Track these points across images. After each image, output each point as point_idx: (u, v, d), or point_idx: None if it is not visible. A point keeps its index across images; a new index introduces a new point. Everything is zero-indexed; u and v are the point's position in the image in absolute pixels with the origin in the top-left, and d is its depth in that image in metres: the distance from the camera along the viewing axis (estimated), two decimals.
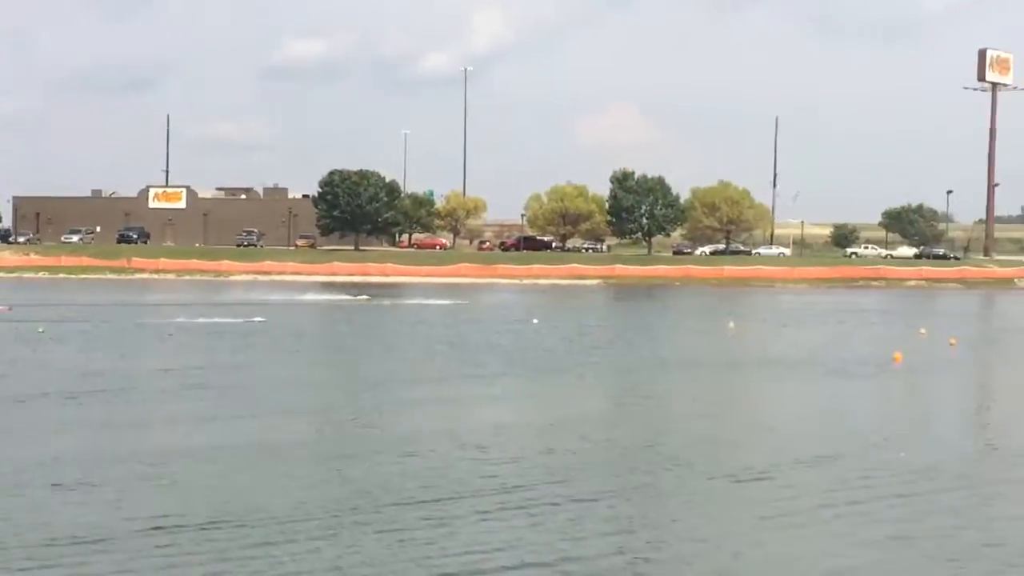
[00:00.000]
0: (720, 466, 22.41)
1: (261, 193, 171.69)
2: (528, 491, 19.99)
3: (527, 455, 23.43)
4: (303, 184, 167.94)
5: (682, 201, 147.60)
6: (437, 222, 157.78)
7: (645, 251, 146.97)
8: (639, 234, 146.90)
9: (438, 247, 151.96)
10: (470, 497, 19.51)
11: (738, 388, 37.49)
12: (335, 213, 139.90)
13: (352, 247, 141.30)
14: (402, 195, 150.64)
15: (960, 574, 15.67)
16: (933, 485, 21.03)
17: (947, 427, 28.77)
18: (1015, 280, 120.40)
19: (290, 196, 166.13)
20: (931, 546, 16.92)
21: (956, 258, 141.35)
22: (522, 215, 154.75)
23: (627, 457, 23.46)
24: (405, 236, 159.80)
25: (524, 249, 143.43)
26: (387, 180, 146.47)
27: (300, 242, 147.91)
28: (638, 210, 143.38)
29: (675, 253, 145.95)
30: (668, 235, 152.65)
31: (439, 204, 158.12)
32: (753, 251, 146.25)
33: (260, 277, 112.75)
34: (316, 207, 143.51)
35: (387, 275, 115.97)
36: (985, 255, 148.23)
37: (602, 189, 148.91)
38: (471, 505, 18.95)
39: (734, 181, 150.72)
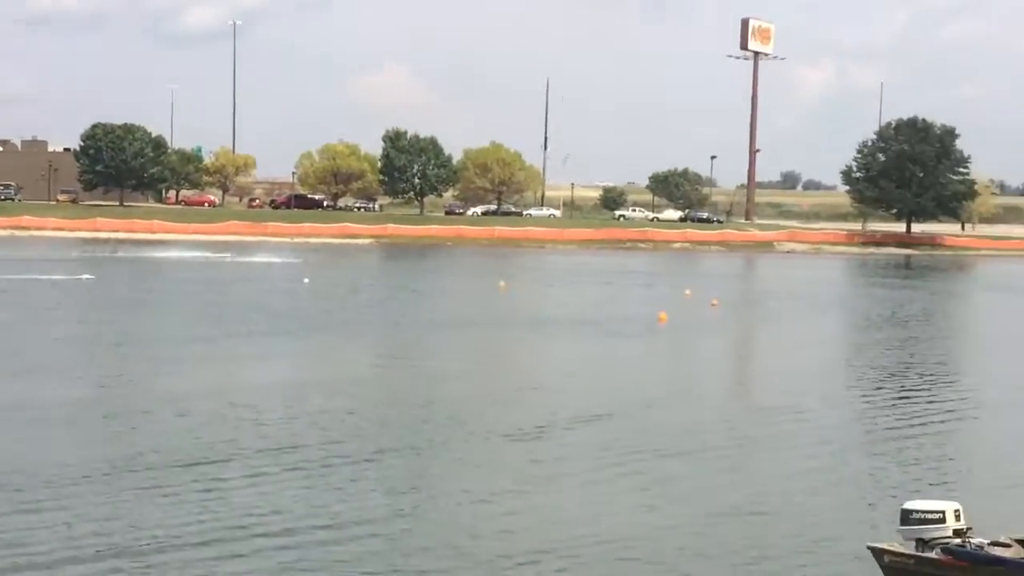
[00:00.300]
0: (494, 425, 22.61)
1: (19, 146, 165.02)
2: (303, 452, 19.79)
3: (300, 415, 23.19)
4: (65, 137, 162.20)
5: (454, 162, 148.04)
6: (205, 179, 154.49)
7: (417, 211, 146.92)
8: (411, 194, 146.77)
9: (206, 204, 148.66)
10: (244, 458, 19.20)
11: (509, 347, 37.88)
12: (98, 168, 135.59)
13: (117, 203, 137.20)
14: (169, 151, 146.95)
15: (727, 523, 16.16)
16: (700, 441, 21.64)
17: (711, 385, 29.67)
18: (775, 244, 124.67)
19: (50, 149, 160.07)
20: (700, 499, 17.41)
21: (719, 222, 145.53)
22: (293, 173, 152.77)
23: (402, 416, 23.45)
24: (172, 192, 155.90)
25: (295, 207, 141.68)
26: (154, 135, 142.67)
27: (61, 197, 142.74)
28: (411, 170, 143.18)
29: (447, 213, 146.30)
30: (440, 195, 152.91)
31: (207, 160, 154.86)
32: (524, 212, 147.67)
33: (17, 233, 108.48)
34: (78, 161, 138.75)
35: (153, 232, 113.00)
36: (747, 219, 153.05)
37: (375, 148, 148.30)
38: (245, 466, 18.65)
39: (506, 143, 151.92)
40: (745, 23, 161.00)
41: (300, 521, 15.70)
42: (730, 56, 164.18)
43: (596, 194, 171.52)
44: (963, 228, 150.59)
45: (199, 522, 15.54)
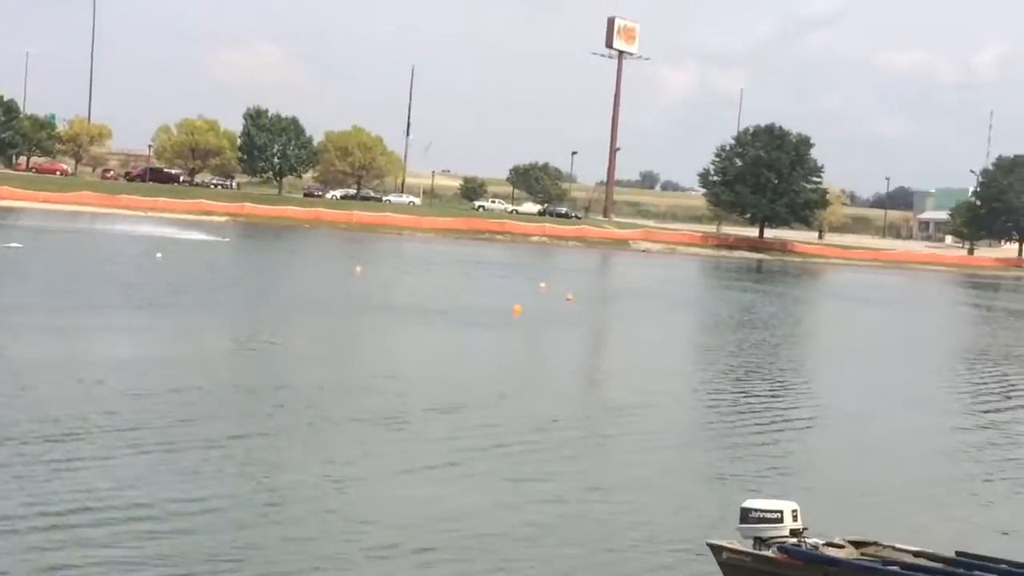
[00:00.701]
0: (349, 412, 22.53)
1: None
2: (152, 432, 19.49)
3: (151, 393, 22.84)
4: None
5: (315, 144, 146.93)
6: (58, 147, 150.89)
7: (276, 191, 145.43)
8: (270, 174, 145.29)
9: (58, 172, 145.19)
10: (90, 436, 18.86)
11: (364, 333, 37.82)
12: None
13: None
14: (21, 116, 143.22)
15: (571, 517, 16.39)
16: (549, 434, 21.87)
17: (563, 379, 29.97)
18: (631, 242, 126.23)
19: None
20: (547, 492, 17.61)
21: (578, 217, 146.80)
22: (150, 146, 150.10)
23: (255, 399, 23.24)
24: (23, 159, 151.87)
25: (150, 181, 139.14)
26: (5, 99, 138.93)
27: None
28: (270, 149, 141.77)
29: (306, 195, 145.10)
30: (300, 176, 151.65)
31: (61, 128, 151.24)
32: (384, 198, 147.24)
33: None
34: None
35: (1, 198, 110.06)
36: (604, 216, 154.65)
37: (235, 126, 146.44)
38: (92, 445, 18.31)
39: (369, 128, 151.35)
40: (611, 21, 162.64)
41: (148, 504, 15.38)
42: (595, 54, 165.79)
43: (457, 184, 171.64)
44: (821, 236, 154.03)
45: (40, 503, 15.18)
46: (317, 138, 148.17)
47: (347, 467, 18.15)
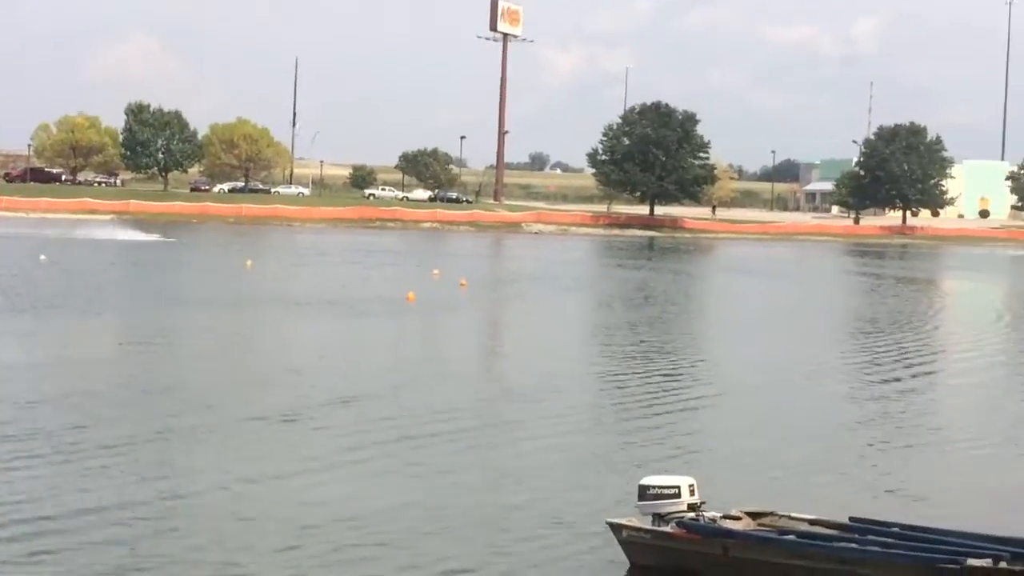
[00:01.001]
0: (246, 409, 22.26)
1: None
2: (45, 438, 19.06)
3: (41, 398, 22.39)
4: None
5: (200, 137, 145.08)
6: None
7: (161, 187, 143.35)
8: (155, 169, 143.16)
9: None
10: None
11: (257, 327, 37.44)
12: None
13: None
14: None
15: (473, 503, 16.39)
16: (449, 422, 21.83)
17: (460, 366, 29.92)
18: (523, 225, 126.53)
19: None
20: (448, 480, 17.59)
21: (468, 202, 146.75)
22: (29, 145, 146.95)
23: (149, 400, 22.87)
24: None
25: (31, 181, 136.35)
26: None
27: None
28: (154, 144, 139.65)
29: (192, 190, 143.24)
30: (186, 171, 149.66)
31: None
32: (272, 190, 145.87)
33: None
34: None
35: None
36: (495, 200, 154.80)
37: (117, 122, 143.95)
38: None
39: (253, 119, 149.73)
40: (494, 4, 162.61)
41: (48, 517, 15.00)
42: (480, 37, 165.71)
43: (346, 172, 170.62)
44: (714, 212, 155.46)
45: None
46: (202, 131, 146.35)
47: (249, 467, 17.91)
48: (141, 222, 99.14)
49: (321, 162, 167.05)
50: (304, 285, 50.97)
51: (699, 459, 19.25)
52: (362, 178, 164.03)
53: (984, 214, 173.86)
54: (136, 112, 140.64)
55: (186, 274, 55.64)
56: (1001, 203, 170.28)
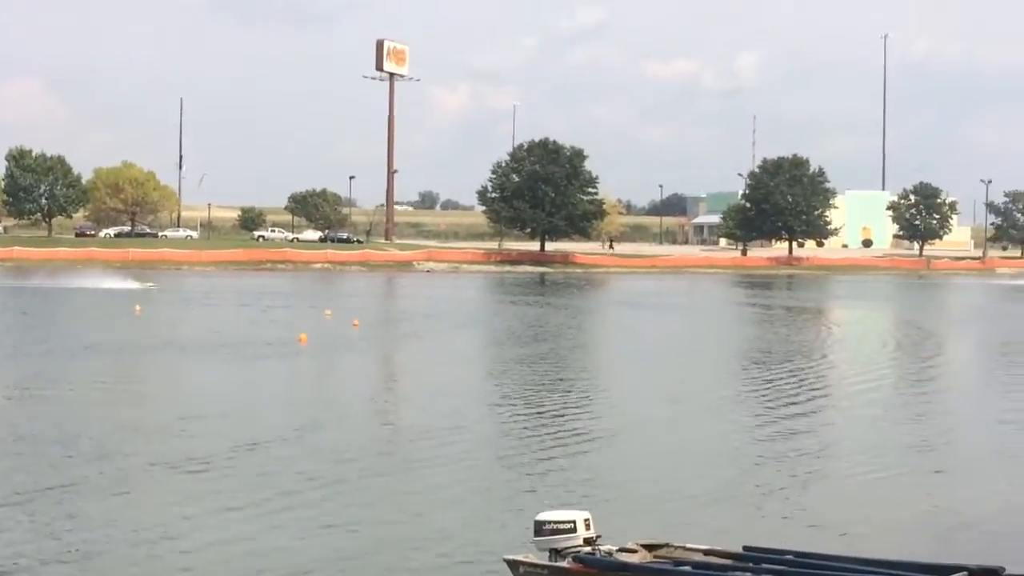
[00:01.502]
0: (149, 457, 21.79)
1: None
2: None
3: None
4: None
5: (84, 181, 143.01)
6: None
7: (46, 233, 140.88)
8: (39, 215, 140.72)
9: None
10: None
11: (154, 373, 36.87)
12: None
13: None
14: None
15: (372, 545, 16.27)
16: (352, 466, 21.66)
17: (356, 407, 29.71)
18: (415, 263, 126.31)
19: None
20: (347, 524, 17.45)
21: (359, 241, 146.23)
22: None
23: (43, 452, 22.27)
24: None
25: None
26: None
27: None
28: (37, 190, 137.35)
29: (78, 235, 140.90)
30: (70, 216, 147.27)
31: None
32: (160, 233, 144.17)
33: None
34: None
35: None
36: (386, 239, 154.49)
37: None
38: None
39: (139, 162, 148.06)
40: (380, 44, 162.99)
41: None
42: (366, 77, 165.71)
43: (234, 215, 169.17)
44: (612, 247, 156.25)
45: None
46: (86, 176, 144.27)
47: (155, 517, 17.54)
48: (24, 269, 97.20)
49: (209, 204, 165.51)
50: (194, 329, 50.33)
51: (595, 493, 19.31)
52: (251, 220, 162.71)
53: (867, 243, 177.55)
54: (17, 158, 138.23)
55: (74, 320, 54.62)
56: (883, 232, 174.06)
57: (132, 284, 78.07)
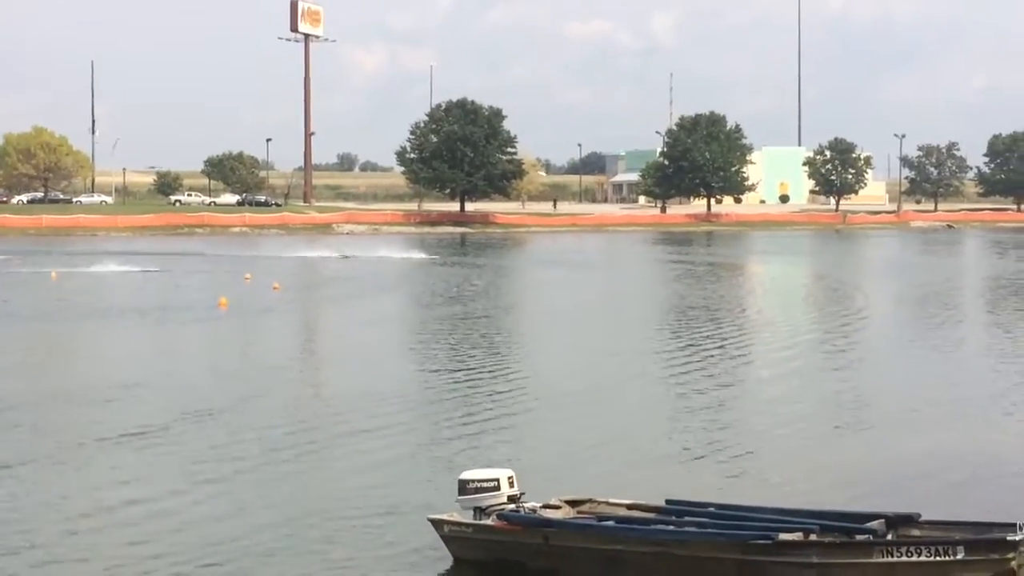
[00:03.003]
0: (83, 429, 21.47)
1: None
2: None
3: None
4: None
5: None
6: None
7: None
8: None
9: None
10: None
11: (73, 341, 36.44)
12: None
13: None
14: None
15: (298, 515, 16.22)
16: (279, 431, 21.56)
17: (281, 374, 29.42)
18: (334, 226, 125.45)
19: None
20: (287, 489, 17.39)
21: (278, 205, 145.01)
22: None
23: None
24: None
25: None
26: None
27: None
28: None
29: None
30: None
31: None
32: (74, 199, 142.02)
33: None
34: None
35: None
36: (305, 202, 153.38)
37: None
38: None
39: (50, 127, 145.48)
40: (294, 5, 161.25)
41: None
42: (281, 38, 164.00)
43: (150, 179, 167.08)
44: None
45: None
46: None
47: (109, 490, 17.32)
48: None
49: (124, 169, 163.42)
50: (111, 295, 49.68)
51: (518, 451, 19.38)
52: (167, 184, 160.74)
53: (784, 199, 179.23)
54: None
55: None
56: (800, 187, 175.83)
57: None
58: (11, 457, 19.17)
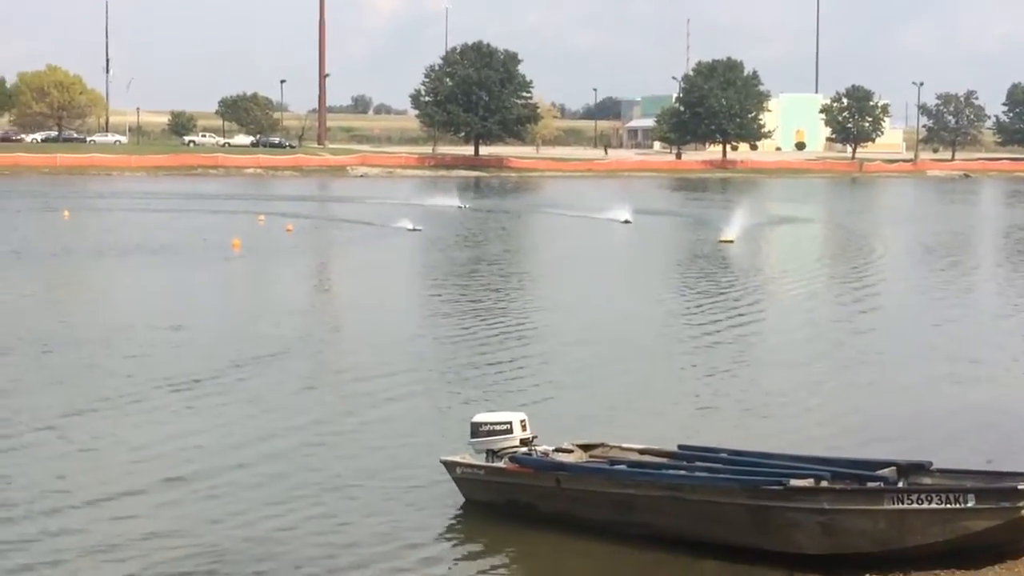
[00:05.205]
0: (100, 366, 21.68)
1: None
2: None
3: None
4: None
5: (8, 86, 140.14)
6: None
7: None
8: None
9: None
10: None
11: (84, 279, 36.47)
12: None
13: None
14: None
15: (315, 453, 16.30)
16: (292, 373, 21.64)
17: (294, 316, 29.45)
18: (348, 168, 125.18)
19: None
20: (303, 428, 17.47)
21: (292, 146, 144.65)
22: None
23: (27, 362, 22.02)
24: None
25: None
26: None
27: None
28: None
29: (3, 140, 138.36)
30: None
31: None
32: (88, 139, 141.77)
33: None
34: None
35: None
36: (319, 144, 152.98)
37: None
38: None
39: (64, 66, 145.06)
40: None
41: None
42: None
43: (164, 120, 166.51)
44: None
45: None
46: (10, 80, 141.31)
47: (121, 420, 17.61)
48: None
49: (138, 109, 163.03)
50: (124, 235, 49.64)
51: (531, 395, 19.43)
52: (181, 125, 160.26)
53: (800, 146, 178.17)
54: None
55: (4, 228, 53.80)
56: (816, 135, 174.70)
57: None
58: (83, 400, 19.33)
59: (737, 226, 52.39)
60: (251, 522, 13.45)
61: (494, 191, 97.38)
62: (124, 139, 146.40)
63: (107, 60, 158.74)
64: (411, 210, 61.62)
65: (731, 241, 48.65)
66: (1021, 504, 11.54)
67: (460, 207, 70.37)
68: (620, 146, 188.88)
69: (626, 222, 58.75)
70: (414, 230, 52.41)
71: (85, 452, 16.19)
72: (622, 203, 63.21)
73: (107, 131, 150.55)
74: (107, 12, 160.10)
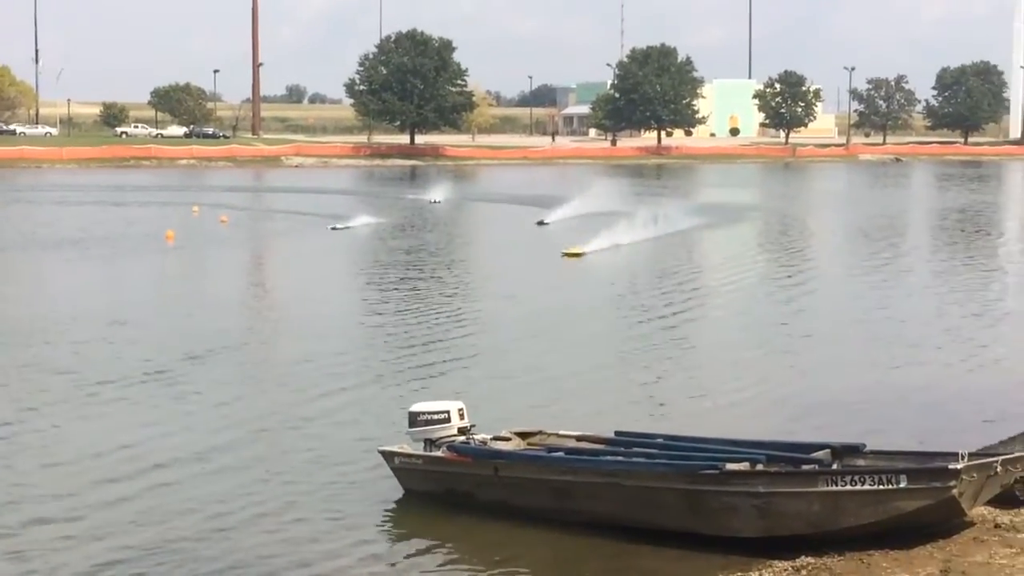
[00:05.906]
0: (27, 361, 21.53)
1: None
2: None
3: None
4: None
5: None
6: None
7: None
8: None
9: None
10: None
11: (14, 273, 36.03)
12: None
13: None
14: None
15: (245, 443, 16.23)
16: (230, 364, 21.52)
17: (229, 306, 29.30)
18: (283, 158, 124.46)
19: None
20: (240, 419, 17.38)
21: (226, 137, 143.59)
22: None
23: None
24: None
25: None
26: None
27: None
28: None
29: None
30: None
31: None
32: (18, 131, 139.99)
33: None
34: None
35: None
36: (253, 134, 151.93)
37: None
38: None
39: None
40: None
41: None
42: None
43: (96, 111, 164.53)
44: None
45: None
46: None
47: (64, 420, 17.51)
48: None
49: (68, 100, 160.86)
50: (55, 228, 49.07)
51: (469, 384, 19.43)
52: (113, 116, 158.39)
53: (734, 132, 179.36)
54: None
55: None
56: (750, 121, 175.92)
57: None
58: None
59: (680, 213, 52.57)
60: (187, 520, 13.35)
61: (431, 180, 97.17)
62: (55, 131, 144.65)
63: (36, 51, 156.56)
64: (378, 201, 61.30)
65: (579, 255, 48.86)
66: (952, 484, 11.71)
67: (433, 201, 66.38)
68: (556, 133, 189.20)
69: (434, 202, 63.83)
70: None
71: (29, 451, 16.02)
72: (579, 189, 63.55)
73: (37, 123, 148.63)
74: (35, 1, 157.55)
